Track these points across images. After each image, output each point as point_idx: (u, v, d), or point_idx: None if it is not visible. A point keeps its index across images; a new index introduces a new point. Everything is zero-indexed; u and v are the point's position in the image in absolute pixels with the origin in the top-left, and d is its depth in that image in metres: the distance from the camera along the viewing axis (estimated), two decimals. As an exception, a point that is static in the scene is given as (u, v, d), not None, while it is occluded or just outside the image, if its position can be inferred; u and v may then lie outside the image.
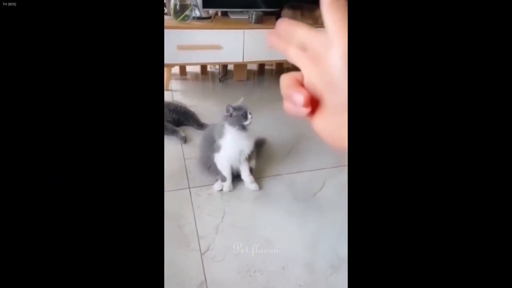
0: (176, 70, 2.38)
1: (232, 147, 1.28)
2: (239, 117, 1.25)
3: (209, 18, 2.05)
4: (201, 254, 1.05)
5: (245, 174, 1.34)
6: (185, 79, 2.39)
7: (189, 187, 1.33)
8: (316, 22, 2.09)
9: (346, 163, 0.28)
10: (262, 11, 2.07)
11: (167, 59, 1.98)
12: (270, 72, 2.62)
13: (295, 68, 0.29)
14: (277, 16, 2.10)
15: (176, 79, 2.33)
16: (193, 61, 2.09)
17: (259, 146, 1.54)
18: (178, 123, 1.72)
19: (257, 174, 1.42)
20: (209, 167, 1.34)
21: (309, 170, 1.46)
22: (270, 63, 2.63)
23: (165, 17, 2.01)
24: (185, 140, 1.61)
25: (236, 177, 1.36)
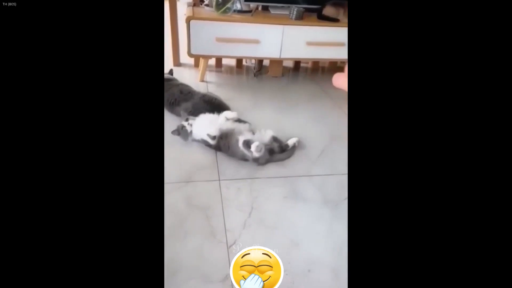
0: (211, 61, 2.40)
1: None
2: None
3: (249, 11, 2.04)
4: (228, 248, 1.06)
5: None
6: (220, 71, 2.40)
7: (219, 179, 1.34)
8: (359, 21, 2.02)
9: None
10: (303, 8, 2.04)
11: (205, 51, 2.00)
12: (305, 70, 2.58)
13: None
14: (319, 13, 2.06)
15: (211, 70, 2.36)
16: (230, 54, 2.10)
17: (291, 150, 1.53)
18: (212, 115, 1.74)
19: (286, 173, 1.41)
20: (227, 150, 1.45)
21: (341, 174, 1.43)
22: (306, 61, 2.59)
23: (207, 8, 2.02)
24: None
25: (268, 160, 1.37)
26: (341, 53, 2.13)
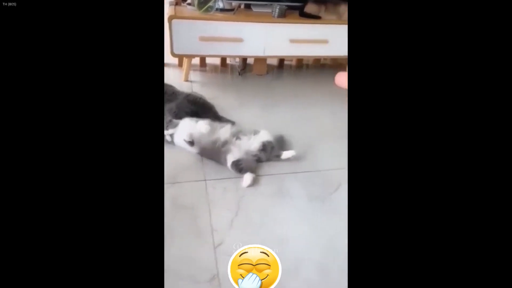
0: (195, 61, 2.38)
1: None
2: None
3: (232, 10, 2.03)
4: (214, 248, 1.06)
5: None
6: (205, 70, 2.38)
7: (205, 180, 1.33)
8: (340, 17, 2.04)
9: None
10: (286, 5, 2.04)
11: (188, 50, 1.98)
12: (290, 67, 2.59)
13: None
14: (301, 10, 2.07)
15: (195, 70, 2.34)
16: (214, 53, 2.08)
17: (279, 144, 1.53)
18: (196, 115, 1.72)
19: (272, 171, 1.41)
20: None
21: (325, 170, 1.44)
22: (290, 58, 2.60)
23: (189, 7, 2.00)
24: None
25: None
26: (325, 50, 2.14)
